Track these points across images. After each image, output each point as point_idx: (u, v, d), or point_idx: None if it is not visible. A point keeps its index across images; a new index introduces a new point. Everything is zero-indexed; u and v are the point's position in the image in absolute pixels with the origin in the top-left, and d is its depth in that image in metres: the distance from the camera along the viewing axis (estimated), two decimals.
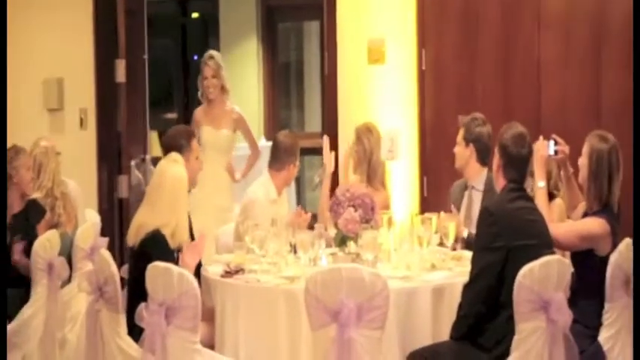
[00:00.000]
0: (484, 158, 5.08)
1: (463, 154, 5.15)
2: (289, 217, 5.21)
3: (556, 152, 4.59)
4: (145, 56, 7.56)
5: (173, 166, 4.56)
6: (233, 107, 6.73)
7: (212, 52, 6.85)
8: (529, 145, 4.13)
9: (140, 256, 4.26)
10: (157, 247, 4.31)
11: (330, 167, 5.77)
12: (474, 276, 3.93)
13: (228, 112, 6.69)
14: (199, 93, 6.81)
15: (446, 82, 6.49)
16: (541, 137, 4.56)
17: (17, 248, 5.15)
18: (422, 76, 6.53)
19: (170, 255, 4.36)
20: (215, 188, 6.41)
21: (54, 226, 5.31)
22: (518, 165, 4.07)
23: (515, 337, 3.77)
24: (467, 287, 3.96)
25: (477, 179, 5.11)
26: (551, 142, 4.58)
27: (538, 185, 4.47)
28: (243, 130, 6.79)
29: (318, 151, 7.39)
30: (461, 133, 5.17)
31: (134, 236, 4.41)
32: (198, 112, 6.77)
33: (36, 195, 5.40)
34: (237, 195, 6.49)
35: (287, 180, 5.59)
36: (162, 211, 4.42)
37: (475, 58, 6.42)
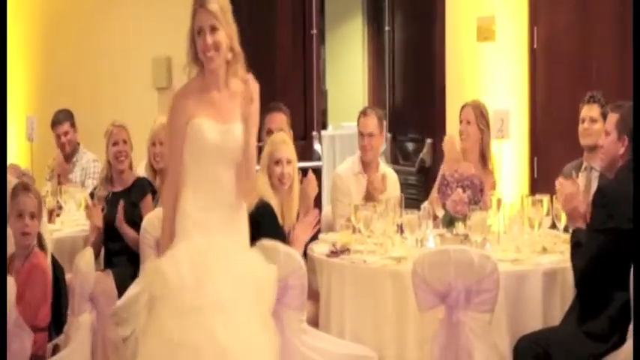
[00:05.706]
0: None
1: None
2: (372, 182, 5.26)
3: None
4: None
5: None
6: None
7: None
8: None
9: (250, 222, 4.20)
10: (268, 218, 4.32)
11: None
12: (586, 259, 3.80)
13: None
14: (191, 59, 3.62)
15: (558, 61, 6.29)
16: None
17: (119, 217, 5.26)
18: (533, 54, 6.36)
19: (279, 230, 4.37)
20: None
21: None
22: None
23: (632, 325, 3.63)
24: (577, 269, 3.82)
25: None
26: None
27: None
28: None
29: None
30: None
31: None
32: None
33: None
34: None
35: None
36: None
37: (590, 35, 6.19)
